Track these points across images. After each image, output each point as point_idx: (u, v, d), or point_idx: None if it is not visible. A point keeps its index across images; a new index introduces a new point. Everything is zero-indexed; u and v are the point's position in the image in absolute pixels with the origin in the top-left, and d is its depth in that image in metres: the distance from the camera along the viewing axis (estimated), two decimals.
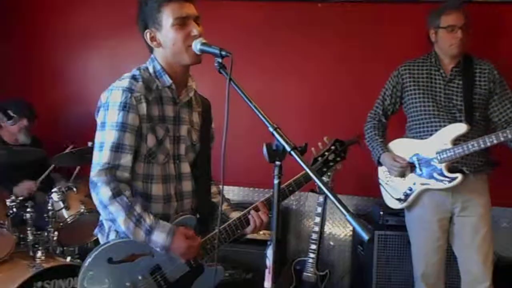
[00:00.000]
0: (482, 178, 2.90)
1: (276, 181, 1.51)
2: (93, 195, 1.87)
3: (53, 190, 3.29)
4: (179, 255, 1.89)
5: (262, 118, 1.57)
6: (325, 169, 2.07)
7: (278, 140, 1.50)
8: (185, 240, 1.88)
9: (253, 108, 1.59)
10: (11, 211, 2.98)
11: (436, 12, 2.91)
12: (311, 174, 1.41)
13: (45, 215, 3.15)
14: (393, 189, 3.04)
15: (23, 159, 3.51)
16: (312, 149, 2.04)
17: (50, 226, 3.14)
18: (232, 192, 4.01)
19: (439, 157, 2.81)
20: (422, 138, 2.92)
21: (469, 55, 2.92)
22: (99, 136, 1.89)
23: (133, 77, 1.91)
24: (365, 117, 3.18)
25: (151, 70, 1.96)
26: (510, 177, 3.33)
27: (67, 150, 3.44)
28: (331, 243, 3.97)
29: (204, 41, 1.83)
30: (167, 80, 1.94)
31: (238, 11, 3.98)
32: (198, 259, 1.96)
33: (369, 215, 3.64)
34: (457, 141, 2.77)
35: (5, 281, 2.75)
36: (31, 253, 2.98)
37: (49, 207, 3.17)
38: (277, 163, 1.51)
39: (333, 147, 2.07)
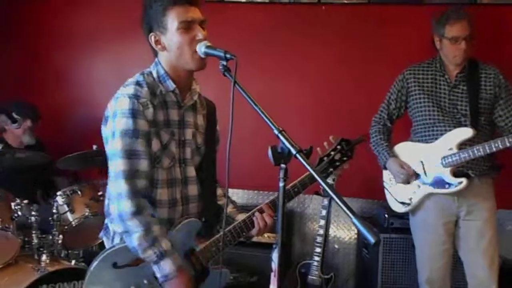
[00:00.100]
0: (487, 182, 2.89)
1: (281, 184, 1.50)
2: (113, 205, 1.83)
3: (58, 193, 3.29)
4: None
5: (267, 121, 1.56)
6: (331, 169, 2.02)
7: (283, 143, 1.49)
8: (185, 283, 1.85)
9: (258, 110, 1.59)
10: (16, 215, 2.99)
11: (441, 21, 2.87)
12: (316, 177, 1.40)
13: (50, 218, 3.15)
14: (397, 192, 3.03)
15: (27, 162, 3.51)
16: (318, 149, 2.01)
17: (55, 229, 3.14)
18: (237, 195, 4.00)
19: (444, 162, 2.80)
20: (427, 142, 2.91)
21: (474, 59, 2.91)
22: (111, 146, 1.86)
23: (138, 83, 1.90)
24: (367, 119, 3.17)
25: (154, 74, 1.95)
26: None
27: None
28: (336, 246, 3.97)
29: (208, 44, 1.82)
30: (171, 85, 1.94)
31: (242, 13, 3.99)
32: (203, 262, 1.95)
33: (374, 218, 3.63)
34: (462, 146, 2.76)
35: (10, 284, 2.75)
36: (36, 257, 2.98)
37: (54, 211, 3.17)
38: (282, 166, 1.50)
39: (339, 147, 2.02)
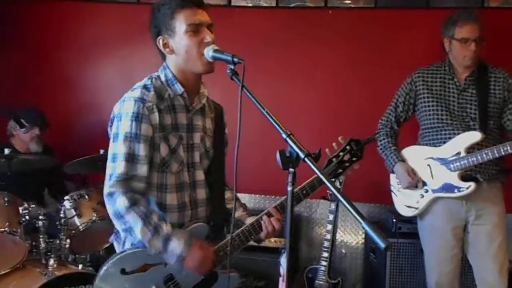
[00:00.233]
0: (496, 186, 2.87)
1: (289, 188, 1.50)
2: (109, 205, 1.86)
3: (65, 198, 3.29)
4: (194, 268, 1.87)
5: (275, 125, 1.56)
6: (340, 170, 1.99)
7: (291, 147, 1.49)
8: (200, 253, 1.86)
9: (266, 114, 1.58)
10: (23, 219, 2.99)
11: (450, 22, 2.86)
12: (326, 181, 1.39)
13: (57, 222, 3.16)
14: (405, 196, 3.01)
15: (35, 167, 3.53)
16: (327, 150, 1.99)
17: (62, 233, 3.14)
18: (243, 200, 3.96)
19: (452, 165, 2.78)
20: (435, 146, 2.89)
21: (483, 63, 2.89)
22: (112, 147, 1.88)
23: (145, 87, 1.91)
24: (374, 122, 3.16)
25: (163, 78, 1.96)
26: None
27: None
28: (343, 250, 3.95)
29: (216, 47, 1.82)
30: (179, 89, 1.94)
31: (248, 18, 4.00)
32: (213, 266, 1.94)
33: (382, 223, 3.61)
34: (471, 150, 2.74)
35: None
36: (43, 261, 2.98)
37: (61, 215, 3.18)
38: (291, 170, 1.50)
39: (348, 147, 1.99)
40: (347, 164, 1.99)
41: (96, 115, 4.12)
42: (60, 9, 4.29)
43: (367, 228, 1.27)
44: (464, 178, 2.77)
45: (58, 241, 3.12)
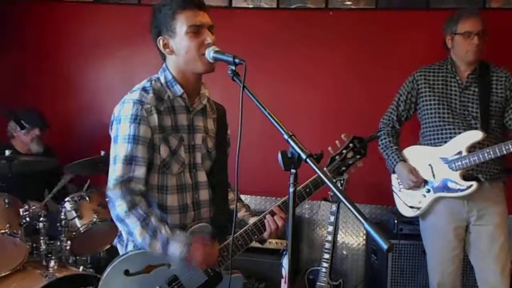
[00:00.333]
0: (498, 186, 2.86)
1: (291, 190, 1.49)
2: (110, 210, 1.87)
3: (66, 199, 3.29)
4: (198, 265, 1.86)
5: (277, 126, 1.55)
6: (343, 168, 1.98)
7: (293, 148, 1.48)
8: (202, 248, 1.85)
9: (268, 115, 1.58)
10: (24, 221, 2.99)
11: (453, 19, 2.88)
12: (328, 183, 1.38)
13: (58, 224, 3.16)
14: (406, 196, 3.00)
15: (36, 168, 3.53)
16: (329, 148, 1.97)
17: (63, 235, 3.14)
18: (244, 201, 3.98)
19: (454, 165, 2.77)
20: (436, 145, 2.89)
21: (485, 62, 2.90)
22: (112, 150, 1.89)
23: (144, 89, 1.91)
24: (375, 123, 3.15)
25: (162, 80, 1.95)
26: None
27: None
28: (344, 252, 3.94)
29: (217, 49, 1.82)
30: (178, 90, 1.94)
31: (249, 19, 4.00)
32: (216, 267, 1.94)
33: (383, 224, 3.61)
34: (472, 149, 2.74)
35: None
36: (44, 263, 2.98)
37: (62, 216, 3.17)
38: (293, 171, 1.49)
39: (351, 145, 1.98)
40: (350, 162, 1.98)
41: (97, 116, 4.13)
42: (61, 10, 4.29)
43: (369, 229, 1.26)
44: (465, 177, 2.77)
45: (58, 243, 3.12)
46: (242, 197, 3.96)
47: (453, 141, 2.81)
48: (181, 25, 1.86)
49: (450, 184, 2.80)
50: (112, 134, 1.91)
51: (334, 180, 1.40)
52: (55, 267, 2.92)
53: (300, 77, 3.97)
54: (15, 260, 2.86)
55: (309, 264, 3.61)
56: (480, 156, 2.68)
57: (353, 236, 3.94)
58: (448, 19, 2.92)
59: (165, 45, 1.92)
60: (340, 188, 3.18)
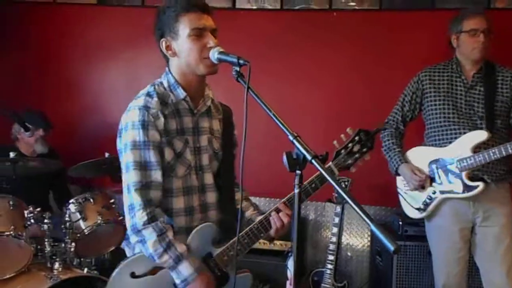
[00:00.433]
0: (504, 187, 2.85)
1: (296, 191, 1.49)
2: (128, 217, 1.86)
3: (70, 201, 3.29)
4: None
5: (282, 127, 1.55)
6: (350, 161, 1.95)
7: (298, 149, 1.48)
8: (205, 285, 1.85)
9: (273, 116, 1.57)
10: (29, 223, 2.99)
11: (458, 18, 2.89)
12: (334, 184, 1.38)
13: (62, 226, 3.16)
14: (412, 198, 2.99)
15: (40, 170, 3.53)
16: (335, 142, 1.95)
17: (67, 237, 3.13)
18: None
19: (459, 165, 2.76)
20: (441, 146, 2.87)
21: (491, 62, 2.89)
22: (124, 158, 1.88)
23: (148, 94, 1.92)
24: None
25: (165, 84, 1.96)
26: None
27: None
28: (349, 253, 3.93)
29: (222, 49, 1.82)
30: (181, 93, 1.94)
31: (253, 20, 4.00)
32: (222, 267, 1.93)
33: (388, 225, 3.60)
34: (477, 149, 2.73)
35: None
36: (48, 265, 2.97)
37: (66, 218, 3.17)
38: (298, 172, 1.48)
39: (357, 138, 1.94)
40: (357, 156, 1.95)
41: (101, 117, 4.13)
42: (64, 12, 4.30)
43: (375, 230, 1.25)
44: (471, 178, 2.75)
45: (63, 245, 3.11)
46: None
47: (458, 142, 2.79)
48: (184, 28, 1.86)
49: (456, 185, 2.79)
50: (121, 142, 1.90)
51: (339, 181, 1.39)
52: (60, 269, 2.92)
53: (304, 77, 3.96)
54: (19, 262, 2.86)
55: (314, 266, 3.60)
56: (486, 156, 2.66)
57: (357, 237, 3.93)
58: (453, 18, 2.92)
59: (168, 47, 1.92)
60: (348, 189, 3.18)
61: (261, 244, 3.51)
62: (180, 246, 1.84)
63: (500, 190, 2.82)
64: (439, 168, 2.86)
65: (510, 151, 2.61)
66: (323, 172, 1.41)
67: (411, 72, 3.06)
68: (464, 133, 2.78)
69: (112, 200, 3.40)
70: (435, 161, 2.87)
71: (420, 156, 2.96)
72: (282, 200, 1.95)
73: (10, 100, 4.11)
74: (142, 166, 1.85)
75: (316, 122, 3.91)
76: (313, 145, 1.51)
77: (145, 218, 1.81)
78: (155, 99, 1.90)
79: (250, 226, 1.93)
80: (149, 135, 1.85)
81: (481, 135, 2.73)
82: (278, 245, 3.53)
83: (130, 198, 1.84)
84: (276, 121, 1.57)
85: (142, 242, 1.83)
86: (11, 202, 3.00)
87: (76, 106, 4.30)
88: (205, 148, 2.01)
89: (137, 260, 1.89)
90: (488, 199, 2.79)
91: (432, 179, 2.88)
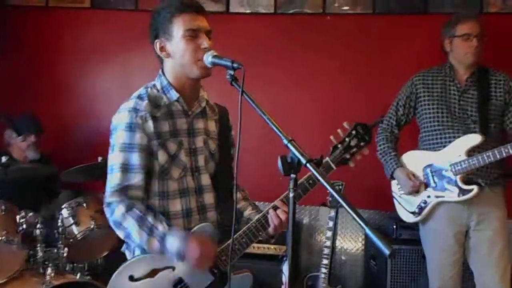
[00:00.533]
0: (498, 190, 2.86)
1: (291, 195, 1.48)
2: (108, 216, 1.88)
3: (63, 206, 3.27)
4: (194, 261, 1.84)
5: (276, 131, 1.55)
6: (347, 156, 1.91)
7: (293, 153, 1.47)
8: (199, 245, 1.83)
9: (267, 120, 1.57)
10: (21, 228, 2.97)
11: (451, 22, 2.90)
12: (329, 188, 1.37)
13: (55, 231, 3.13)
14: (407, 202, 2.99)
15: (33, 175, 3.50)
16: (331, 137, 1.93)
17: (60, 242, 3.11)
18: None
19: (453, 169, 2.77)
20: (435, 150, 2.88)
21: (484, 66, 2.90)
22: (110, 159, 1.90)
23: (139, 97, 1.92)
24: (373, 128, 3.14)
25: (158, 86, 1.96)
26: None
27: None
28: (343, 257, 3.93)
29: (215, 53, 1.82)
30: (174, 95, 1.94)
31: (246, 24, 4.00)
32: (221, 268, 1.91)
33: (382, 229, 3.59)
34: (471, 152, 2.74)
35: None
36: (41, 270, 2.95)
37: (59, 223, 3.15)
38: (292, 176, 1.48)
39: (354, 132, 1.92)
40: (354, 150, 1.92)
41: (94, 121, 4.11)
42: (58, 15, 4.28)
43: (371, 234, 1.25)
44: (466, 182, 2.76)
45: (55, 250, 3.09)
46: None
47: (452, 145, 2.80)
48: (178, 29, 1.86)
49: (451, 189, 2.80)
50: (110, 143, 1.92)
51: (334, 185, 1.39)
52: (52, 274, 2.89)
53: (297, 81, 3.96)
54: (11, 268, 2.84)
55: (308, 270, 3.58)
56: (480, 159, 2.67)
57: (351, 241, 3.92)
58: (446, 23, 2.94)
59: (162, 48, 1.92)
60: (342, 193, 3.18)
61: (256, 248, 3.51)
62: (161, 226, 1.83)
63: (494, 194, 2.83)
64: (433, 172, 2.86)
65: (504, 154, 2.62)
66: (318, 176, 1.40)
67: (404, 75, 3.07)
68: (458, 137, 2.79)
69: (105, 206, 3.37)
70: (430, 165, 2.88)
71: (414, 160, 2.97)
72: (279, 198, 1.93)
73: (4, 103, 4.08)
74: (124, 169, 1.86)
75: (309, 125, 3.91)
76: (307, 148, 1.51)
77: (123, 209, 1.83)
78: (146, 101, 1.90)
79: (248, 225, 1.91)
80: (136, 137, 1.86)
81: (475, 139, 2.74)
82: (272, 249, 3.52)
83: (108, 197, 1.87)
84: (271, 125, 1.57)
85: (128, 236, 1.84)
86: (3, 207, 2.98)
87: (69, 109, 4.28)
88: (200, 149, 2.00)
89: (135, 263, 1.88)
90: (482, 203, 2.79)
91: (427, 183, 2.89)
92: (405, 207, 3.00)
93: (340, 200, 1.32)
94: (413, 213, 2.95)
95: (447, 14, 3.43)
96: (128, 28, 4.03)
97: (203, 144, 2.01)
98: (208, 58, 1.81)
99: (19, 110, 3.85)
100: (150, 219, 1.84)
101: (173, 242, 1.81)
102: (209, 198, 2.01)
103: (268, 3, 3.96)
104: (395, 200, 3.08)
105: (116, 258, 2.06)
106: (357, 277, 3.90)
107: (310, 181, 1.92)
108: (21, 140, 3.68)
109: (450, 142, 2.82)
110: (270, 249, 3.54)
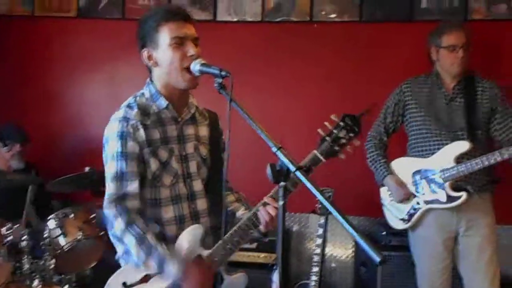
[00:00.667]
0: (486, 196, 2.87)
1: (281, 203, 1.47)
2: (108, 229, 1.86)
3: (49, 217, 3.23)
4: None
5: (265, 138, 1.54)
6: (337, 148, 1.86)
7: (282, 160, 1.47)
8: (197, 277, 1.81)
9: (256, 128, 1.57)
10: (6, 239, 2.92)
11: (437, 32, 2.91)
12: (319, 196, 1.37)
13: (41, 242, 3.09)
14: (396, 209, 3.00)
15: (18, 185, 3.46)
16: (319, 130, 1.90)
17: (47, 253, 3.07)
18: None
19: (442, 176, 2.78)
20: (424, 157, 2.89)
21: (471, 73, 2.92)
22: (106, 170, 1.90)
23: (128, 106, 1.92)
24: (361, 135, 3.14)
25: (147, 94, 1.95)
26: (510, 195, 3.29)
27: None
28: (333, 264, 3.92)
29: (203, 61, 1.81)
30: (163, 102, 1.93)
31: (233, 32, 4.00)
32: (214, 268, 1.89)
33: (372, 236, 3.59)
34: (460, 159, 2.75)
35: None
36: (27, 282, 2.91)
37: (46, 234, 3.11)
38: (282, 183, 1.47)
39: (342, 123, 1.89)
40: (344, 141, 1.88)
41: (81, 131, 4.07)
42: (44, 25, 4.25)
43: (361, 241, 1.25)
44: (454, 188, 2.77)
45: (42, 262, 3.05)
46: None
47: (441, 153, 2.82)
48: (164, 37, 1.86)
49: (439, 196, 2.81)
50: (104, 155, 1.91)
51: (323, 192, 1.38)
52: (39, 286, 2.86)
53: (285, 89, 3.96)
54: None
55: (298, 278, 3.57)
56: (468, 166, 2.69)
57: (341, 248, 3.92)
58: (432, 32, 2.95)
59: (149, 57, 1.92)
60: (330, 200, 3.17)
61: (246, 257, 3.49)
62: (161, 248, 1.81)
63: (483, 200, 2.85)
64: (422, 179, 2.88)
65: (492, 161, 2.64)
66: (308, 184, 1.40)
67: (391, 83, 3.09)
68: (446, 144, 2.81)
69: (93, 215, 3.35)
70: (419, 171, 2.89)
71: (404, 166, 2.98)
72: (269, 194, 1.90)
73: None
74: (118, 178, 1.85)
75: (297, 132, 3.90)
76: (295, 155, 1.51)
77: (122, 224, 1.81)
78: (135, 110, 1.90)
79: (238, 224, 1.89)
80: (128, 146, 1.85)
81: (463, 146, 2.76)
82: (262, 257, 3.50)
83: (107, 210, 1.85)
84: (260, 132, 1.56)
85: (127, 252, 1.82)
86: None
87: (56, 119, 4.24)
88: (191, 156, 2.00)
89: (127, 270, 1.87)
90: (471, 209, 2.81)
91: (416, 190, 2.90)
92: (395, 214, 3.00)
93: (330, 208, 1.32)
94: (402, 220, 2.96)
95: (433, 22, 3.47)
96: (115, 37, 4.01)
97: (193, 150, 2.00)
98: (196, 66, 1.80)
99: (5, 119, 3.81)
100: (149, 237, 1.82)
101: (171, 269, 1.80)
102: (202, 204, 2.00)
103: (255, 11, 3.97)
104: (384, 207, 3.09)
105: (105, 268, 2.03)
106: (347, 284, 3.89)
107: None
108: (7, 150, 3.63)
109: (438, 149, 2.83)
110: (260, 257, 3.52)
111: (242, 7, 3.98)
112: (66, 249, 3.21)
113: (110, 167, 1.86)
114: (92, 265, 3.39)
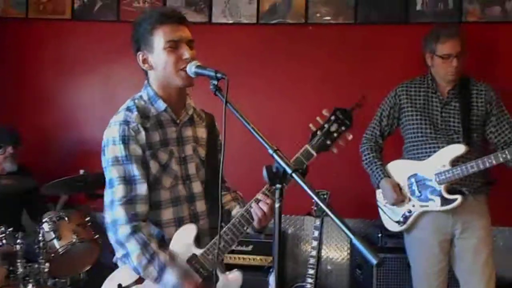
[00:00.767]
0: (481, 199, 2.88)
1: (277, 205, 1.46)
2: (111, 233, 1.85)
3: (43, 220, 3.20)
4: None
5: (261, 140, 1.54)
6: (329, 142, 1.85)
7: (278, 163, 1.46)
8: (193, 285, 1.82)
9: (252, 130, 1.57)
10: (0, 243, 2.90)
11: (432, 37, 2.89)
12: (315, 198, 1.36)
13: (35, 246, 3.07)
14: (392, 211, 3.00)
15: (12, 188, 3.43)
16: (310, 124, 1.89)
17: (41, 257, 3.05)
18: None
19: (437, 178, 2.78)
20: (419, 160, 2.89)
21: (466, 76, 2.92)
22: (108, 174, 1.87)
23: (128, 109, 1.91)
24: (355, 137, 3.13)
25: (145, 97, 1.95)
26: (505, 197, 3.30)
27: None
28: (329, 267, 3.92)
29: (199, 63, 1.81)
30: (162, 105, 1.93)
31: (229, 34, 4.00)
32: (208, 266, 1.88)
33: (367, 238, 3.59)
34: (455, 162, 2.75)
35: None
36: (21, 286, 2.89)
37: (40, 238, 3.08)
38: (278, 186, 1.47)
39: (333, 117, 1.88)
40: (335, 135, 1.87)
41: (76, 134, 4.05)
42: (38, 27, 4.23)
43: (357, 243, 1.24)
44: (450, 191, 2.77)
45: (36, 265, 3.02)
46: None
47: (436, 155, 2.82)
48: (159, 40, 1.85)
49: (435, 198, 2.81)
50: (105, 159, 1.89)
51: (320, 195, 1.38)
52: None
53: (280, 90, 3.97)
54: None
55: (294, 280, 3.56)
56: (464, 169, 2.69)
57: (337, 250, 3.92)
58: (427, 36, 2.94)
59: (144, 60, 1.91)
60: (327, 202, 3.16)
61: (241, 260, 3.48)
62: (163, 256, 1.81)
63: (478, 202, 2.85)
64: (418, 182, 2.88)
65: (487, 164, 2.65)
66: (304, 186, 1.39)
67: (386, 85, 3.09)
68: (442, 147, 2.81)
69: (87, 218, 3.33)
70: (414, 174, 2.89)
71: (399, 169, 2.98)
72: (261, 190, 1.89)
73: None
74: (126, 181, 1.84)
75: (293, 134, 3.87)
76: (290, 156, 1.51)
77: (128, 231, 1.80)
78: (135, 113, 1.89)
79: (232, 221, 1.88)
80: (131, 149, 1.84)
81: (459, 149, 2.76)
82: (258, 260, 3.49)
83: (113, 213, 1.83)
84: (256, 134, 1.56)
85: (126, 256, 1.81)
86: None
87: (50, 121, 4.22)
88: (190, 157, 1.99)
89: (122, 271, 1.87)
90: (466, 212, 2.81)
91: (411, 192, 2.90)
92: (390, 216, 3.00)
93: (327, 210, 1.31)
94: (397, 222, 2.96)
95: (428, 24, 3.48)
96: (110, 39, 4.00)
97: (192, 152, 2.00)
98: (191, 69, 1.80)
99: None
100: (153, 245, 1.82)
101: (171, 277, 1.80)
102: (201, 205, 2.00)
103: (251, 14, 3.97)
104: (380, 210, 3.09)
105: (99, 272, 2.03)
106: (343, 286, 3.89)
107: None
108: (0, 153, 3.61)
109: (434, 152, 2.83)
110: (256, 260, 3.52)
111: (238, 9, 3.98)
112: (60, 253, 3.19)
113: (115, 170, 1.84)
114: (87, 268, 3.38)
